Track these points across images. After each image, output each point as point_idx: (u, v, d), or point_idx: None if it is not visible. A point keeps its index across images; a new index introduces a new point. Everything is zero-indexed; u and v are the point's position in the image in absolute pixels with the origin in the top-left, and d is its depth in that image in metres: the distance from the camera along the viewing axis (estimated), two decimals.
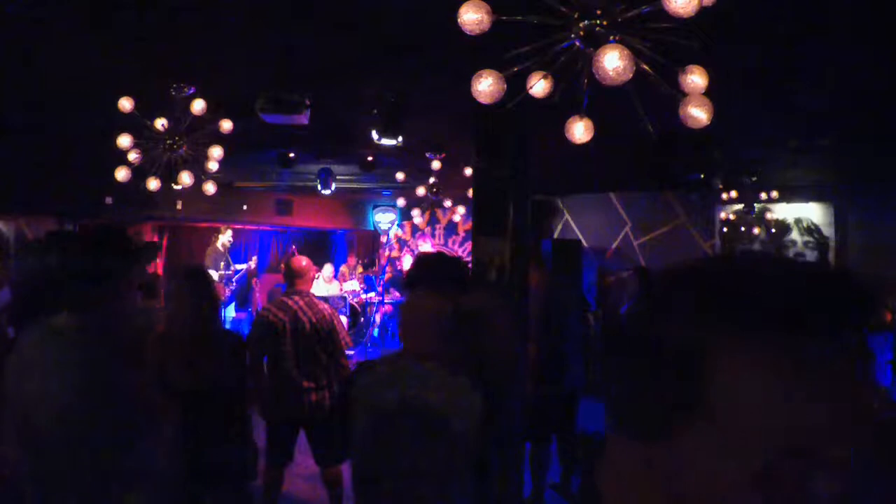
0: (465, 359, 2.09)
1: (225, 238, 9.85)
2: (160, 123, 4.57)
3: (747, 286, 0.57)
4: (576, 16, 2.18)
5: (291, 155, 6.50)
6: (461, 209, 9.23)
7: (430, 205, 9.88)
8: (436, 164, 6.66)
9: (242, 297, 10.92)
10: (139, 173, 4.81)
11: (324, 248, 13.02)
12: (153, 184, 4.88)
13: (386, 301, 9.94)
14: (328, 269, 10.12)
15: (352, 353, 8.20)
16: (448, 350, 2.06)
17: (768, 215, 8.51)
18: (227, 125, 4.45)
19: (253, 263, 10.56)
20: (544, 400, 4.41)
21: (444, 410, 1.94)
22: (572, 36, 2.21)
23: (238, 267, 10.07)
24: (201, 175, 5.02)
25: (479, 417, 1.95)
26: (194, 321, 2.96)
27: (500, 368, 2.48)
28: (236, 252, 10.29)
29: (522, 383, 3.77)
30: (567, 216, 9.84)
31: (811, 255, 8.23)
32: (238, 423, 3.01)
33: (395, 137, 4.68)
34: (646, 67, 2.25)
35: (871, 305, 0.61)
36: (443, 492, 1.94)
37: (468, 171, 6.60)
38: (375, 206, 12.07)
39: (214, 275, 9.52)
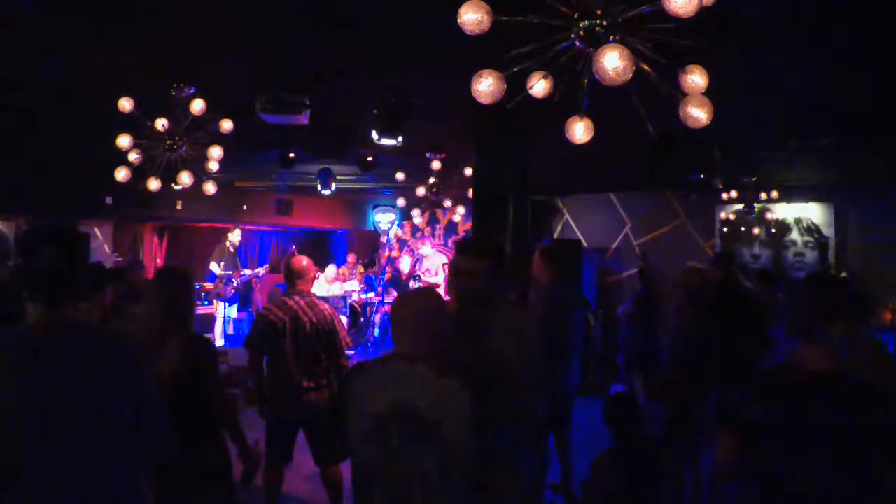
0: (462, 360, 2.08)
1: (234, 238, 9.87)
2: (160, 123, 4.57)
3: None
4: (576, 16, 2.18)
5: (291, 155, 6.49)
6: (461, 209, 9.22)
7: (430, 205, 9.89)
8: (436, 164, 6.66)
9: (243, 298, 10.92)
10: (139, 173, 4.80)
11: (324, 248, 13.02)
12: (153, 184, 4.88)
13: (386, 301, 9.94)
14: (331, 269, 10.11)
15: (352, 353, 8.19)
16: (441, 350, 2.05)
17: (768, 215, 8.51)
18: (227, 125, 4.45)
19: (263, 271, 10.58)
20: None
21: (433, 413, 1.93)
22: (572, 36, 2.21)
23: (245, 272, 10.08)
24: (201, 175, 5.02)
25: (468, 418, 1.94)
26: (159, 324, 2.87)
27: (522, 374, 2.44)
28: (238, 252, 10.32)
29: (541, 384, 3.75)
30: (567, 216, 9.84)
31: (811, 255, 8.24)
32: (204, 430, 2.84)
33: (395, 137, 4.68)
34: (646, 67, 2.25)
35: None
36: (436, 494, 1.93)
37: (468, 171, 6.60)
38: (375, 206, 12.06)
39: (217, 270, 9.53)
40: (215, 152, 4.75)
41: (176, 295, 2.92)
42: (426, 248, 11.31)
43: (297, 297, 3.92)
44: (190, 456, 2.68)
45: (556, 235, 9.71)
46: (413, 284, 10.27)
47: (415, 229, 11.77)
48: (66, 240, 1.84)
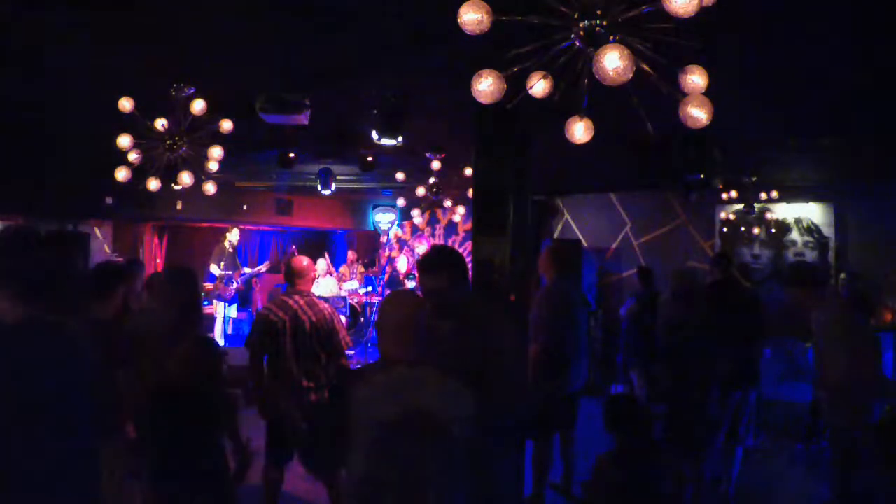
0: (451, 361, 2.07)
1: (232, 237, 9.87)
2: (160, 123, 4.56)
3: None
4: (576, 16, 2.18)
5: (291, 155, 6.49)
6: (461, 209, 9.22)
7: (430, 205, 9.88)
8: (436, 164, 6.66)
9: (243, 298, 10.92)
10: (139, 173, 4.80)
11: (324, 248, 13.02)
12: (153, 184, 4.88)
13: None
14: (322, 263, 10.10)
15: (352, 353, 8.19)
16: (430, 352, 2.04)
17: (768, 215, 8.51)
18: (227, 125, 4.45)
19: (264, 268, 10.59)
20: (550, 399, 4.41)
21: (443, 416, 1.92)
22: (572, 36, 2.21)
23: (246, 270, 10.08)
24: (201, 175, 5.02)
25: (473, 418, 1.94)
26: (168, 322, 2.92)
27: (502, 371, 2.47)
28: (237, 252, 10.33)
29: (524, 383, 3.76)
30: (567, 216, 9.84)
31: (811, 255, 8.24)
32: (211, 427, 2.90)
33: (395, 137, 4.68)
34: (646, 67, 2.24)
35: None
36: (443, 496, 1.92)
37: (468, 171, 6.60)
38: (375, 206, 12.06)
39: (216, 271, 9.52)
40: (215, 152, 4.74)
41: (192, 294, 2.98)
42: (424, 249, 11.31)
43: (296, 297, 3.92)
44: (191, 455, 2.72)
45: (556, 235, 9.70)
46: (407, 284, 10.28)
47: (415, 229, 11.76)
48: (56, 241, 1.96)
